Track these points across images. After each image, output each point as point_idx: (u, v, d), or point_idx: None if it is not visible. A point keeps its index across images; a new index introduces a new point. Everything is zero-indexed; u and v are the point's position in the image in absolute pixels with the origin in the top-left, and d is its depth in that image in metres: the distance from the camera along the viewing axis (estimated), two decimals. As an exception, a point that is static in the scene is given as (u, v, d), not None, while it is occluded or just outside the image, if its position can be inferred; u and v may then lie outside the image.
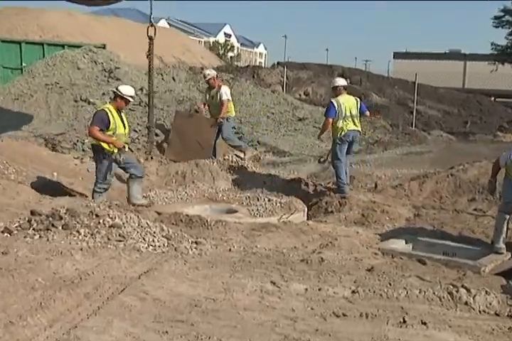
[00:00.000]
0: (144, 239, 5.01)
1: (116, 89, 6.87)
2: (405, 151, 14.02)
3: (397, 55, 48.24)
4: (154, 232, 5.21)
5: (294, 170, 10.79)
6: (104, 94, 12.93)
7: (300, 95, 22.12)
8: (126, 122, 7.00)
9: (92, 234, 4.91)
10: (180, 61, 24.24)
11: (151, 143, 10.10)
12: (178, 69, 19.22)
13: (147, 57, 9.63)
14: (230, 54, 60.43)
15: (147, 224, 5.37)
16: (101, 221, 5.13)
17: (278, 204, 7.30)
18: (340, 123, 7.76)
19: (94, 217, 5.20)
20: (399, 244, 6.04)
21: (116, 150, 6.78)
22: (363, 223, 7.04)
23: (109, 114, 6.70)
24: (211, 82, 9.81)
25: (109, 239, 4.87)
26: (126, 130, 6.99)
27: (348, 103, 7.80)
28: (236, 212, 7.11)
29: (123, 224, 5.18)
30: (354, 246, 5.62)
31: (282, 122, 15.46)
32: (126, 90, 6.86)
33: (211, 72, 9.97)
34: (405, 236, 6.34)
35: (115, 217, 5.26)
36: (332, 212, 7.65)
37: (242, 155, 9.98)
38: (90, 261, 4.36)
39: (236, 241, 5.52)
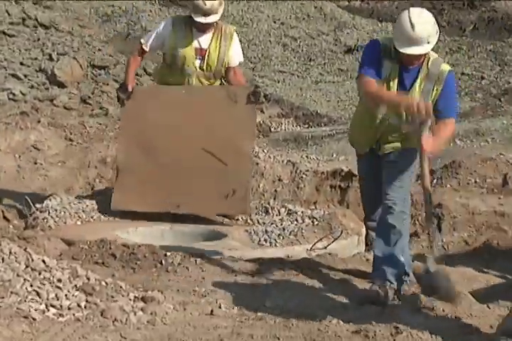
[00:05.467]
0: (38, 294, 5.02)
1: None
2: None
3: None
4: (60, 281, 5.23)
5: (337, 153, 10.81)
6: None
7: (349, 0, 22.15)
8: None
9: None
10: None
11: None
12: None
13: None
14: None
15: (45, 264, 5.38)
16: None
17: (308, 221, 7.37)
18: None
19: None
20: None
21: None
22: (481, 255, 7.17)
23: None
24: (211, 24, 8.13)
25: (-33, 295, 4.91)
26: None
27: None
28: (225, 236, 7.20)
29: (-4, 265, 5.24)
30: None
31: (314, 57, 15.49)
32: None
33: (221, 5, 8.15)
34: None
35: (-21, 253, 5.32)
36: (416, 234, 7.76)
37: None
38: None
39: (224, 296, 5.57)
